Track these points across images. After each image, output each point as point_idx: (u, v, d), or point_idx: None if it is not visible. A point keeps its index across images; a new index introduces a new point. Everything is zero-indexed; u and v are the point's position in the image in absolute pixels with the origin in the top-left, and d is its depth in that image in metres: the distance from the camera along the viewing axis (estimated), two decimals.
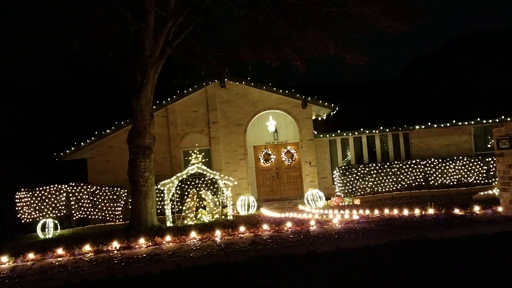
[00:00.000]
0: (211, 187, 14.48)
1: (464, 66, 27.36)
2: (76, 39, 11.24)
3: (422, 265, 4.84)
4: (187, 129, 15.94)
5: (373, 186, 15.00)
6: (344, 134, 16.06)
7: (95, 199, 14.08)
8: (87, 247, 8.47)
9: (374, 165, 15.18)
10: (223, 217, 12.01)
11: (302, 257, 5.61)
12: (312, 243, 6.64)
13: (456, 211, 9.06)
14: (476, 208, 9.02)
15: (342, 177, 15.03)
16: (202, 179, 14.61)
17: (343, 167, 15.23)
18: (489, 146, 15.91)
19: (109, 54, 11.38)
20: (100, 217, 14.10)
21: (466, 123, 15.79)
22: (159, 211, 13.14)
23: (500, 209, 8.31)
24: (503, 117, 15.51)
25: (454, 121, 15.59)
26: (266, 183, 17.53)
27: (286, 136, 17.16)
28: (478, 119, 15.55)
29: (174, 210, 12.71)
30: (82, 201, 14.08)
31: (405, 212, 9.83)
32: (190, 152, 15.88)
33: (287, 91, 15.77)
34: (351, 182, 14.97)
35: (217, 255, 6.54)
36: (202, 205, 11.97)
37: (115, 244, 8.61)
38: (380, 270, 4.74)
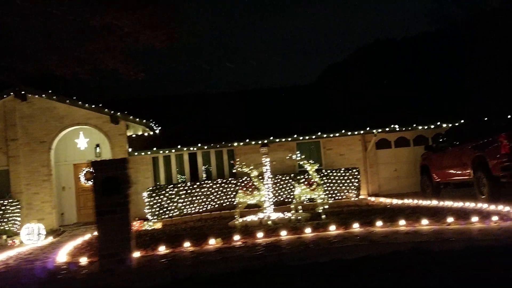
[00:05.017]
0: None
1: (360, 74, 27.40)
2: None
3: None
4: None
5: (182, 207, 14.09)
6: (161, 151, 15.05)
7: None
8: None
9: (183, 185, 14.30)
10: None
11: None
12: None
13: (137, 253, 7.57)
14: (161, 248, 7.83)
15: (149, 199, 13.99)
16: None
17: (151, 188, 14.20)
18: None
19: None
20: None
21: (290, 139, 15.33)
22: None
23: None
24: (319, 133, 15.18)
25: (271, 138, 15.03)
26: (88, 205, 16.11)
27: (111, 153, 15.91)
28: (295, 136, 15.11)
29: None
30: None
31: None
32: None
33: (93, 106, 14.52)
34: (158, 204, 13.96)
35: None
36: None
37: None
38: None
